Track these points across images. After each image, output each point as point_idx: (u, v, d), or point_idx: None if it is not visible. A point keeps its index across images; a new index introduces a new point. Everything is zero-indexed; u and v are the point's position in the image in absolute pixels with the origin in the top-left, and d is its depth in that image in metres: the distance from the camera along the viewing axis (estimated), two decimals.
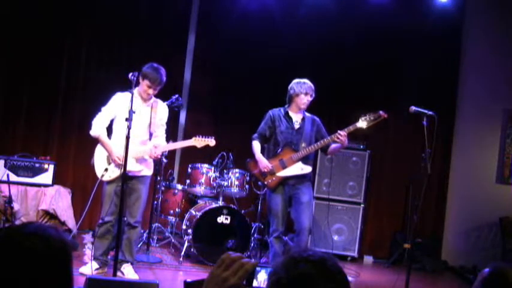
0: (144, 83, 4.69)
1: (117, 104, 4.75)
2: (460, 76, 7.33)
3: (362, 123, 4.88)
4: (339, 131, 4.87)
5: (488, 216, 6.83)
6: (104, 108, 4.79)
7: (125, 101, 4.70)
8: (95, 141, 4.88)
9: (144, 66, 4.76)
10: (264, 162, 5.10)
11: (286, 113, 5.18)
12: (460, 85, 7.33)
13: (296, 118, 5.17)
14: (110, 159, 4.76)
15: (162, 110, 4.98)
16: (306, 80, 5.14)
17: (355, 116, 4.95)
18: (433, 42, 7.17)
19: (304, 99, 5.09)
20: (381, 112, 4.86)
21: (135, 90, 4.79)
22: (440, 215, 7.26)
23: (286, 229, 5.33)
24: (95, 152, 4.86)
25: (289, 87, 5.16)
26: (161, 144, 4.90)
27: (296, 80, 5.16)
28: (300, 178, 5.10)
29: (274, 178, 5.08)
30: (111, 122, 4.83)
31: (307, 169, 5.10)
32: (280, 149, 5.11)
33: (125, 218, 4.82)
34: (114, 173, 4.73)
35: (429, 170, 4.51)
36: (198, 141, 4.98)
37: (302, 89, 5.08)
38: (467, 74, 7.31)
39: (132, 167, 4.70)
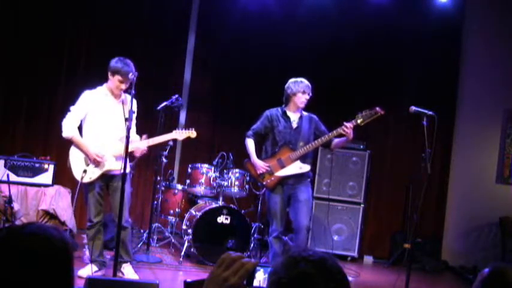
0: (116, 79, 4.53)
1: (88, 103, 4.62)
2: (460, 76, 7.33)
3: (359, 120, 4.88)
4: (344, 123, 4.85)
5: (488, 216, 6.83)
6: (73, 108, 4.64)
7: (94, 98, 4.62)
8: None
9: (111, 61, 4.58)
10: (259, 164, 5.09)
11: (284, 113, 5.17)
12: (460, 85, 7.33)
13: (294, 117, 5.16)
14: (87, 160, 4.63)
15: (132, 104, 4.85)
16: (302, 79, 5.12)
17: (354, 116, 4.95)
18: (433, 42, 7.17)
19: (302, 98, 5.08)
20: (377, 108, 4.84)
21: (103, 88, 4.66)
22: (440, 215, 7.26)
23: (285, 229, 5.32)
24: (69, 155, 4.71)
25: (286, 87, 5.15)
26: (142, 140, 4.76)
27: (293, 80, 5.15)
28: (299, 177, 5.09)
29: (272, 178, 5.07)
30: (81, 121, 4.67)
31: (306, 168, 5.09)
32: (278, 149, 5.10)
33: (113, 215, 4.76)
34: (94, 173, 4.61)
35: (429, 170, 4.50)
36: (179, 134, 4.94)
37: (300, 87, 5.07)
38: (467, 74, 7.31)
39: (113, 165, 4.61)
